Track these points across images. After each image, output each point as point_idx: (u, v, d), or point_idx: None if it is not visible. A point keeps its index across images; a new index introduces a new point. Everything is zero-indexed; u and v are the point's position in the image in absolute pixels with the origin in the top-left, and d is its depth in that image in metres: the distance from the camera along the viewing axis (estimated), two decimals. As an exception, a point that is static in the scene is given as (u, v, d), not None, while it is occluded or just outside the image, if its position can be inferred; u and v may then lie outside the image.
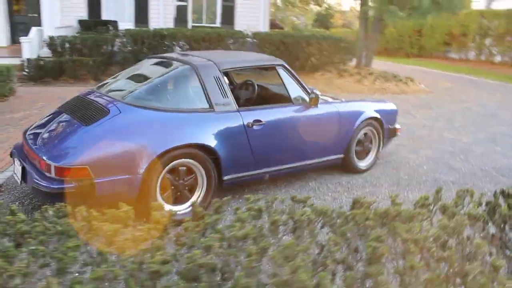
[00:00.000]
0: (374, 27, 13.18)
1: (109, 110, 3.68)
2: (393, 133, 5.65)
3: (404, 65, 19.55)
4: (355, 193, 4.75)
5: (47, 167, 3.36)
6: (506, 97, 12.15)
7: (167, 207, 3.66)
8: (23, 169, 3.63)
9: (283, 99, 4.61)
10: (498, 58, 20.04)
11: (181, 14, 13.77)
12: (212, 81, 3.99)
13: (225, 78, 4.18)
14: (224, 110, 3.99)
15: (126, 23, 13.00)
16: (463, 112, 9.63)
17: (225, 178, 4.00)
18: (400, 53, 24.64)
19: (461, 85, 14.11)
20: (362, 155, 5.33)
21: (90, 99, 4.04)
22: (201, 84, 3.96)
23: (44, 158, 3.40)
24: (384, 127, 5.42)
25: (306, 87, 4.67)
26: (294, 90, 4.60)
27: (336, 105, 4.92)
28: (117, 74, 4.83)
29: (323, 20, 40.56)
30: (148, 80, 4.20)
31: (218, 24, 14.31)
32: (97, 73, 10.36)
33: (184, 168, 3.78)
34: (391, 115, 5.60)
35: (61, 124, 3.83)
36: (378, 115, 5.31)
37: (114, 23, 12.37)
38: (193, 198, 3.88)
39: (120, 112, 3.65)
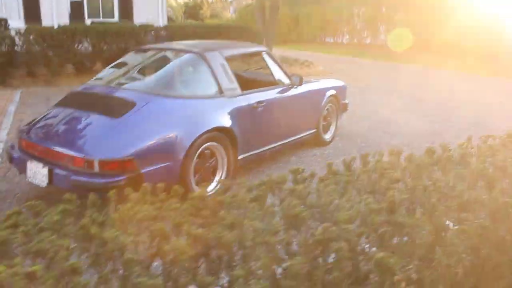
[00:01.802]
0: (271, 15, 13.94)
1: (134, 101, 3.68)
2: (345, 107, 6.33)
3: (296, 51, 20.85)
4: (334, 161, 5.31)
5: (87, 163, 3.29)
6: (391, 74, 13.88)
7: (198, 190, 3.81)
8: (50, 171, 3.45)
9: (271, 81, 4.96)
10: (368, 41, 22.48)
11: (76, 9, 13.02)
12: (219, 67, 4.19)
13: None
14: (232, 95, 4.22)
15: (16, 20, 11.89)
16: (368, 89, 10.86)
17: (240, 157, 4.25)
18: (278, 40, 26.04)
19: (349, 66, 15.66)
20: (326, 128, 5.92)
21: (101, 92, 3.97)
22: (210, 71, 4.13)
23: (81, 154, 3.31)
24: (340, 102, 6.07)
25: (285, 69, 5.10)
26: (279, 73, 4.99)
27: (310, 84, 5.41)
28: (109, 67, 4.72)
29: (192, 11, 40.78)
30: (157, 70, 4.25)
31: (116, 19, 13.82)
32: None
33: (208, 151, 3.94)
34: (343, 91, 6.28)
35: (80, 119, 3.71)
36: (335, 92, 5.93)
37: (4, 21, 11.24)
38: (217, 178, 4.06)
39: (148, 102, 3.69)
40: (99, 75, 4.61)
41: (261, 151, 4.59)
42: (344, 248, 1.58)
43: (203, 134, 3.77)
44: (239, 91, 4.31)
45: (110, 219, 1.72)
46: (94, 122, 3.62)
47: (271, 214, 1.79)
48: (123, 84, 4.17)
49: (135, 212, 1.74)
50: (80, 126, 3.64)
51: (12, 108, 7.63)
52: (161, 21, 13.88)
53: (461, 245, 1.71)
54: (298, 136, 5.24)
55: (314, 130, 5.57)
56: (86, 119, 3.68)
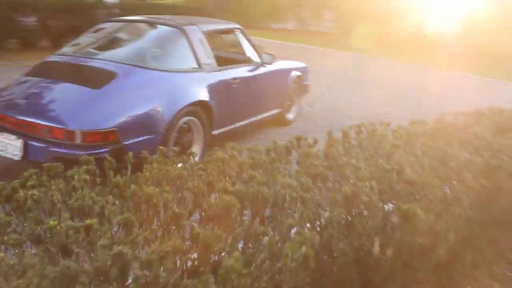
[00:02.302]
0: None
1: (114, 72, 3.59)
2: (307, 89, 6.49)
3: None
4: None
5: (68, 135, 3.18)
6: (339, 60, 14.33)
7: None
8: (25, 143, 3.29)
9: (244, 59, 4.99)
10: (313, 28, 22.92)
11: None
12: (198, 42, 4.17)
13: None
14: (210, 70, 4.22)
15: None
16: (319, 73, 11.15)
17: (215, 132, 4.27)
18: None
19: (298, 52, 15.95)
20: (289, 108, 6.05)
21: (78, 62, 3.83)
22: (189, 45, 4.10)
23: (61, 126, 3.19)
24: (302, 83, 6.22)
25: (257, 47, 5.15)
26: (251, 50, 5.02)
27: (278, 64, 5.49)
28: (79, 38, 4.51)
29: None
30: (136, 42, 4.15)
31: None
32: None
33: (186, 125, 3.93)
34: (306, 73, 6.42)
35: (56, 90, 3.57)
36: (300, 73, 6.07)
37: None
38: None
39: (129, 74, 3.61)
40: (71, 45, 4.40)
41: (233, 127, 4.63)
42: (372, 203, 1.69)
43: (184, 107, 3.75)
44: (216, 66, 4.31)
45: (142, 178, 1.72)
46: (72, 92, 3.49)
47: (298, 173, 1.86)
48: (100, 55, 4.04)
49: (166, 171, 1.75)
50: (57, 97, 3.49)
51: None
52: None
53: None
54: (267, 114, 5.32)
55: (280, 110, 5.67)
56: (63, 90, 3.54)
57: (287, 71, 5.72)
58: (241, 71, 4.69)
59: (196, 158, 3.97)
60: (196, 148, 4.08)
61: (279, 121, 5.83)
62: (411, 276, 1.92)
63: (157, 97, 3.62)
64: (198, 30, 4.26)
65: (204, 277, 1.07)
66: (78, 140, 3.17)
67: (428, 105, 7.83)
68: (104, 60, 3.82)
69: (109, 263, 1.12)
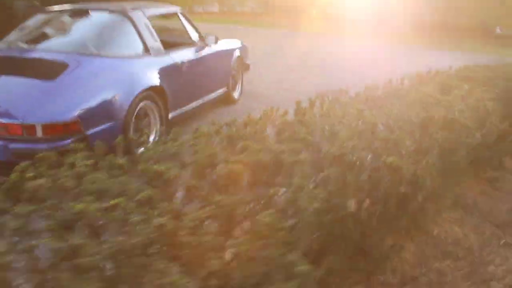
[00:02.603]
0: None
1: (65, 62, 3.47)
2: (247, 67, 6.60)
3: (168, 21, 20.39)
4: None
5: (27, 130, 3.05)
6: (266, 38, 14.54)
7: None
8: None
9: (187, 41, 4.97)
10: (238, 8, 22.96)
11: None
12: (144, 26, 4.12)
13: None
14: (158, 54, 4.19)
15: None
16: (255, 53, 11.28)
17: (170, 116, 4.27)
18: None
19: (227, 33, 15.94)
20: (233, 87, 6.14)
21: (22, 55, 3.65)
22: (136, 30, 4.03)
23: (18, 121, 3.05)
24: (243, 62, 6.33)
25: (199, 29, 5.16)
26: (193, 32, 5.03)
27: (220, 44, 5.53)
28: (17, 30, 4.25)
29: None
30: (80, 31, 4.00)
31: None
32: None
33: (142, 110, 3.90)
34: (246, 51, 6.52)
35: (5, 84, 3.38)
36: (240, 52, 6.16)
37: None
38: (150, 139, 4.04)
39: (80, 63, 3.50)
40: (8, 37, 4.14)
41: (186, 109, 4.64)
42: (360, 159, 1.85)
43: (141, 92, 3.71)
44: (163, 50, 4.28)
45: (142, 157, 1.75)
46: (24, 86, 3.32)
47: (284, 140, 1.98)
48: (45, 46, 3.87)
49: (164, 150, 1.80)
50: (8, 92, 3.30)
51: None
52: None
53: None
54: (215, 94, 5.38)
55: (226, 89, 5.75)
56: (13, 84, 3.36)
57: (230, 51, 5.79)
58: (188, 53, 4.69)
59: (151, 140, 3.99)
60: (154, 133, 4.06)
61: (226, 100, 5.90)
62: (392, 224, 2.13)
63: (113, 84, 3.55)
64: (142, 15, 4.19)
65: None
66: (38, 134, 3.04)
67: (360, 73, 8.29)
68: (51, 51, 3.67)
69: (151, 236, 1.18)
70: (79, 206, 1.31)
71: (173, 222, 1.18)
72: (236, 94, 6.17)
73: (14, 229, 1.27)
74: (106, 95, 3.45)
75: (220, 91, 5.55)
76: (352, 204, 1.74)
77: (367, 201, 1.85)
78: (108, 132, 3.40)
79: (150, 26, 4.20)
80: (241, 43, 6.54)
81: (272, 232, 1.20)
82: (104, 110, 3.41)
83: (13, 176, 1.62)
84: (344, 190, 1.73)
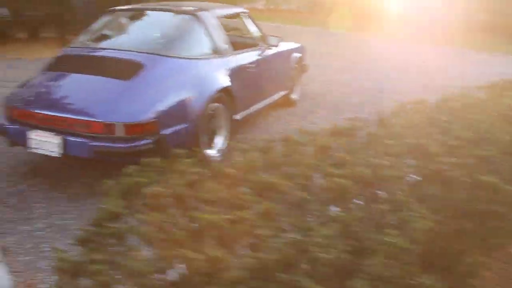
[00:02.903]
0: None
1: (141, 62, 3.60)
2: (306, 68, 6.59)
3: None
4: (310, 119, 5.62)
5: (108, 128, 3.19)
6: (319, 38, 14.45)
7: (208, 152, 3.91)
8: (63, 139, 3.29)
9: (252, 42, 5.03)
10: (284, 6, 22.91)
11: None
12: (213, 28, 4.20)
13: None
14: (226, 55, 4.27)
15: None
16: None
17: (237, 117, 4.34)
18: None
19: (276, 31, 15.94)
20: (293, 88, 6.15)
21: (99, 55, 3.81)
22: (206, 31, 4.13)
23: (100, 119, 3.20)
24: (302, 63, 6.34)
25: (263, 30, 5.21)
26: (258, 33, 5.08)
27: (282, 45, 5.56)
28: (90, 29, 4.45)
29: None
30: (153, 31, 4.15)
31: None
32: None
33: (212, 112, 3.99)
34: (304, 53, 6.53)
35: (85, 83, 3.57)
36: (300, 53, 6.17)
37: None
38: (218, 140, 4.12)
39: (156, 63, 3.63)
40: (84, 36, 4.34)
41: (251, 111, 4.71)
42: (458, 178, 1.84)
43: (213, 94, 3.80)
44: (232, 51, 4.36)
45: (243, 165, 1.80)
46: (104, 85, 3.48)
47: (379, 153, 1.99)
48: (119, 45, 4.03)
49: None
50: (89, 91, 3.48)
51: None
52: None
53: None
54: (277, 96, 5.43)
55: (286, 91, 5.78)
56: (93, 83, 3.53)
57: (290, 52, 5.81)
58: (254, 55, 4.75)
59: (222, 145, 4.08)
60: (222, 134, 4.15)
61: (286, 102, 5.94)
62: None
63: (187, 86, 3.66)
64: (211, 16, 4.28)
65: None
66: (119, 133, 3.19)
67: (416, 77, 8.13)
68: (126, 50, 3.81)
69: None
70: (206, 216, 1.37)
71: (302, 237, 1.22)
72: (295, 96, 6.18)
73: (146, 237, 1.34)
74: (181, 96, 3.56)
75: (282, 92, 5.59)
76: (451, 222, 1.74)
77: (462, 219, 1.84)
78: (182, 133, 3.51)
79: (219, 27, 4.29)
80: (300, 44, 6.55)
81: (402, 253, 1.22)
82: (179, 111, 3.51)
83: (125, 180, 1.70)
84: (444, 207, 1.73)
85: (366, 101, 6.51)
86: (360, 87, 7.45)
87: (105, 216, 1.45)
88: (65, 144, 3.29)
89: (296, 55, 6.00)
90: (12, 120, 3.58)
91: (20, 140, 3.51)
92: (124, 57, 3.73)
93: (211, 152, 3.99)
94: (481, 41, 13.42)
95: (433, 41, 13.11)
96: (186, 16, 4.27)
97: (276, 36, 5.13)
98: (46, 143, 3.35)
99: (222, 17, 4.49)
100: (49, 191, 3.55)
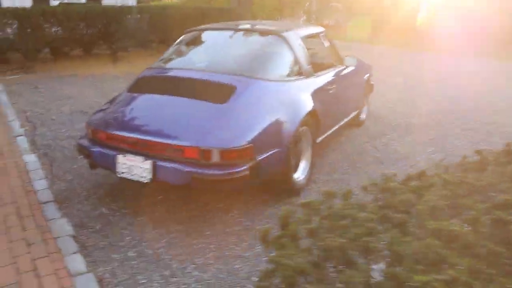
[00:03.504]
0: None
1: (233, 84, 3.43)
2: (372, 88, 6.33)
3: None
4: (382, 140, 5.35)
5: (203, 154, 3.00)
6: (367, 54, 14.16)
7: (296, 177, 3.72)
8: (154, 164, 3.12)
9: (330, 62, 4.82)
10: (325, 21, 22.73)
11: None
12: (299, 49, 4.01)
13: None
14: (310, 76, 4.07)
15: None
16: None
17: (318, 140, 4.12)
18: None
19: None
20: (362, 108, 5.89)
21: (185, 76, 3.66)
22: (291, 52, 3.94)
23: (194, 144, 3.02)
24: (371, 83, 6.09)
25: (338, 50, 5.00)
26: (335, 53, 4.88)
27: (358, 64, 5.32)
28: (172, 49, 4.33)
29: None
30: (239, 52, 3.98)
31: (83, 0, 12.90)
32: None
33: (297, 135, 3.78)
34: (372, 71, 6.28)
35: (175, 106, 3.38)
36: (369, 73, 5.93)
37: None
38: (302, 164, 3.90)
39: (248, 86, 3.44)
40: (167, 57, 4.22)
41: (330, 133, 4.49)
42: None
43: (303, 117, 3.60)
44: (313, 72, 4.16)
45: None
46: (195, 108, 3.31)
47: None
48: (203, 66, 3.88)
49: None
50: (179, 114, 3.29)
51: (3, 97, 6.89)
52: (131, 1, 13.15)
53: None
54: (350, 117, 5.19)
55: (358, 110, 5.54)
56: (183, 106, 3.35)
57: (362, 72, 5.59)
58: (333, 75, 4.54)
59: (305, 169, 3.86)
60: (305, 159, 3.93)
61: (354, 122, 5.70)
62: None
63: (280, 109, 3.46)
64: (296, 36, 4.10)
65: None
66: (214, 159, 3.00)
67: (480, 98, 7.76)
68: (213, 72, 3.64)
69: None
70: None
71: None
72: (363, 116, 5.94)
73: None
74: (274, 120, 3.36)
75: (355, 113, 5.36)
76: None
77: None
78: (274, 158, 3.31)
79: (303, 48, 4.10)
80: (367, 63, 6.32)
81: None
82: (272, 135, 3.31)
83: (286, 224, 1.49)
84: None
85: (432, 123, 6.20)
86: (422, 107, 7.12)
87: (290, 274, 1.23)
88: (156, 170, 3.11)
89: (368, 74, 5.78)
90: (97, 142, 3.45)
91: (106, 163, 3.36)
92: (214, 79, 3.55)
93: (296, 176, 3.78)
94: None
95: (486, 55, 12.69)
96: (273, 37, 4.09)
97: (353, 57, 4.91)
98: (135, 168, 3.19)
99: (304, 37, 4.28)
100: (132, 216, 3.40)
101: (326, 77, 4.36)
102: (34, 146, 4.82)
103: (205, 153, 3.00)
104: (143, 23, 10.51)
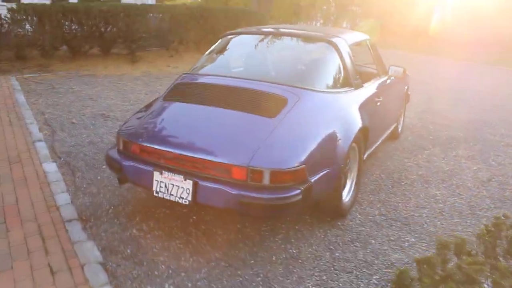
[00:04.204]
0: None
1: (283, 96, 3.08)
2: (409, 98, 5.96)
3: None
4: (423, 156, 4.98)
5: (254, 175, 2.64)
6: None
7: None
8: (195, 184, 2.78)
9: (375, 72, 4.47)
10: (344, 24, 22.36)
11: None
12: (348, 58, 3.66)
13: None
14: (359, 87, 3.71)
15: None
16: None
17: (364, 157, 3.77)
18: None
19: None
20: (399, 120, 5.53)
21: (228, 84, 3.30)
22: (341, 61, 3.59)
23: (243, 164, 2.66)
24: (408, 93, 5.72)
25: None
26: (380, 62, 4.52)
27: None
28: (209, 54, 3.98)
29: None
30: (285, 59, 3.63)
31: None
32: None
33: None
34: (409, 82, 5.91)
35: (220, 119, 3.02)
36: (407, 83, 5.56)
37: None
38: (348, 184, 3.55)
39: (299, 98, 3.09)
40: (202, 62, 3.86)
41: (374, 148, 4.14)
42: None
43: (356, 133, 3.25)
44: (361, 83, 3.80)
45: None
46: (241, 122, 2.95)
47: None
48: (248, 74, 3.50)
49: None
50: (223, 128, 2.94)
51: (21, 97, 6.61)
52: (150, 0, 12.88)
53: None
54: (391, 130, 4.85)
55: (396, 123, 5.19)
56: (226, 118, 3.00)
57: (402, 82, 5.22)
58: (379, 86, 4.18)
59: (350, 189, 3.50)
60: (352, 178, 3.57)
61: (391, 134, 5.34)
62: None
63: (333, 124, 3.11)
64: (345, 44, 3.74)
65: None
66: (265, 181, 2.64)
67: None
68: (259, 81, 3.28)
69: None
70: None
71: None
72: (400, 128, 5.58)
73: None
74: (327, 137, 3.01)
75: (394, 125, 5.02)
76: None
77: None
78: (326, 179, 2.96)
79: (351, 56, 3.74)
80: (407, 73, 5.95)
81: None
82: (326, 154, 2.96)
83: None
84: None
85: (471, 137, 5.84)
86: (457, 119, 6.75)
87: None
88: (197, 191, 2.76)
89: (406, 85, 5.42)
90: (129, 156, 3.10)
91: (140, 180, 3.01)
92: (261, 89, 3.19)
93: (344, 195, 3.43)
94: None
95: (497, 61, 12.29)
96: (322, 43, 3.72)
97: (399, 67, 4.52)
98: (175, 187, 2.84)
99: (352, 45, 3.91)
100: (165, 239, 3.06)
101: (372, 88, 4.01)
102: (54, 153, 4.51)
103: (255, 174, 2.64)
104: (164, 22, 10.21)
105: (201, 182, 2.75)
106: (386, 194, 3.98)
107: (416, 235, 3.30)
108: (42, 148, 4.60)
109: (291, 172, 2.67)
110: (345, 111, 3.33)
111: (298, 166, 2.70)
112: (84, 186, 3.82)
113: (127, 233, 3.12)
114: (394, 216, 3.58)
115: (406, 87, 5.40)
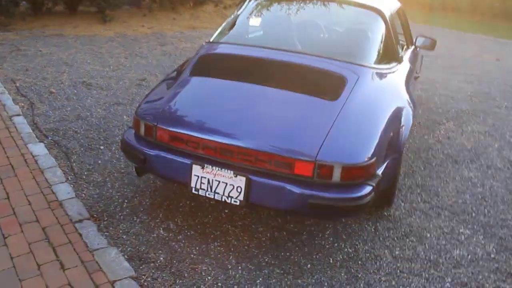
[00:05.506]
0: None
1: (342, 74, 2.60)
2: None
3: None
4: (440, 132, 4.69)
5: (323, 171, 2.19)
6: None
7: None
8: (249, 181, 2.29)
9: (406, 42, 4.03)
10: None
11: None
12: (395, 29, 3.20)
13: None
14: (401, 62, 3.28)
15: None
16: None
17: None
18: None
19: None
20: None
21: (271, 58, 2.76)
22: (389, 33, 3.12)
23: (316, 158, 2.19)
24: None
25: None
26: (408, 32, 4.10)
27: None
28: (235, 19, 3.37)
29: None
30: (331, 29, 3.11)
31: None
32: None
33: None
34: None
35: (271, 101, 2.50)
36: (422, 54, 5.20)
37: None
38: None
39: (359, 76, 2.62)
40: (227, 28, 3.22)
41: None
42: None
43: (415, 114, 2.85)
44: (403, 57, 3.37)
45: None
46: (297, 105, 2.42)
47: None
48: (290, 46, 2.95)
49: None
50: (277, 112, 2.41)
51: (-17, 61, 5.74)
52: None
53: None
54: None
55: (411, 95, 4.86)
56: (278, 101, 2.46)
57: (419, 52, 4.84)
58: (412, 59, 3.76)
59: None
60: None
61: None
62: None
63: (393, 107, 2.67)
64: (390, 13, 3.26)
65: None
66: (334, 179, 2.20)
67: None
68: (307, 54, 2.74)
69: None
70: None
71: None
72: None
73: None
74: (391, 121, 2.58)
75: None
76: None
77: None
78: (389, 169, 2.56)
79: (395, 27, 3.28)
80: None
81: None
82: (391, 141, 2.54)
83: None
84: None
85: (479, 110, 5.62)
86: (459, 89, 6.51)
87: None
88: (251, 189, 2.27)
89: (422, 55, 5.04)
90: (154, 143, 2.54)
91: (172, 174, 2.47)
92: (313, 65, 2.67)
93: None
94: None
95: None
96: (369, 12, 3.21)
97: (428, 37, 4.07)
98: (220, 184, 2.33)
99: (394, 14, 3.42)
100: (200, 241, 2.59)
101: (408, 61, 3.59)
102: (38, 131, 3.86)
103: (323, 169, 2.19)
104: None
105: (255, 179, 2.27)
106: (421, 177, 3.65)
107: (469, 226, 3.00)
108: (22, 124, 3.93)
109: (364, 166, 2.24)
110: (400, 90, 2.91)
111: (370, 159, 2.27)
112: (85, 173, 3.24)
113: (153, 234, 2.62)
114: (438, 203, 3.26)
115: (421, 58, 5.03)
